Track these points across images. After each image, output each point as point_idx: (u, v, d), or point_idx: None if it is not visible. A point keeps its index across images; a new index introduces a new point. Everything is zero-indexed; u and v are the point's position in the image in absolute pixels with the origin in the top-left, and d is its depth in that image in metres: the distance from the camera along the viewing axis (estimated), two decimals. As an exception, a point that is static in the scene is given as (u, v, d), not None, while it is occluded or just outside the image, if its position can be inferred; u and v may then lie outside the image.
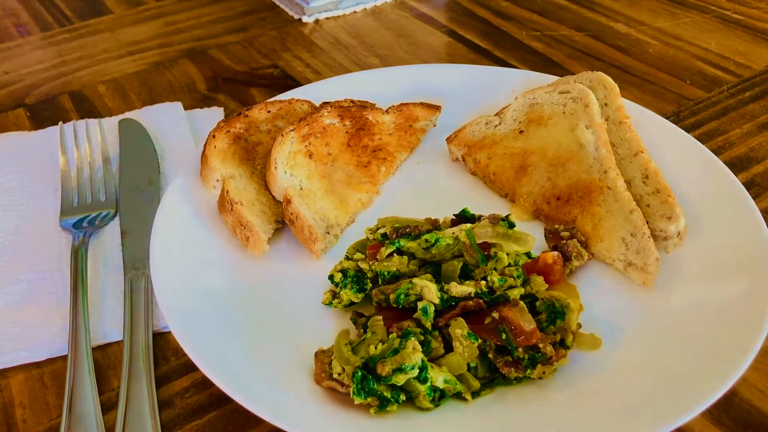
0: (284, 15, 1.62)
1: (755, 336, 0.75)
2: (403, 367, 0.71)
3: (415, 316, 0.78)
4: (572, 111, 1.04)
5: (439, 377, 0.73)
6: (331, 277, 0.86)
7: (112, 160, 1.13)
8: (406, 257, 0.85)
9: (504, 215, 0.89)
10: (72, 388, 0.79)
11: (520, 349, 0.75)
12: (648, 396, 0.73)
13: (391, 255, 0.85)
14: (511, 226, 0.88)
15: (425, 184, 1.07)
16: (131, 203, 1.05)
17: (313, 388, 0.76)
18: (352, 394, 0.71)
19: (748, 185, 1.03)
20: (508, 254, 0.85)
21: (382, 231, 0.90)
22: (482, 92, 1.18)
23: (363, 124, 1.08)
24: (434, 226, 0.90)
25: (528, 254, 0.88)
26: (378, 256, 0.85)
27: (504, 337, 0.75)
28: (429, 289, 0.77)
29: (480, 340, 0.76)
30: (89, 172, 1.10)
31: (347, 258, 0.90)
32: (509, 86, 1.17)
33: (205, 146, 1.01)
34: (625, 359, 0.78)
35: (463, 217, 0.91)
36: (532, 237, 0.88)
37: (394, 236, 0.86)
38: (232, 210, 0.94)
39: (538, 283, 0.82)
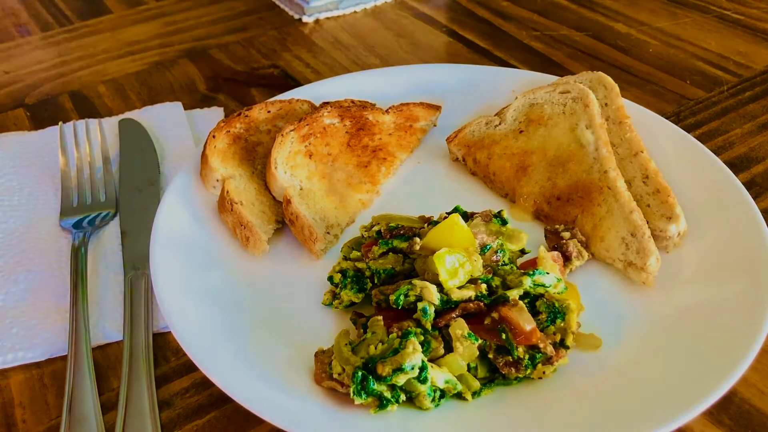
0: (284, 15, 1.62)
1: (755, 336, 0.75)
2: (403, 367, 0.71)
3: (415, 316, 0.78)
4: (572, 111, 1.04)
5: (439, 377, 0.73)
6: (330, 278, 0.86)
7: (112, 160, 1.13)
8: (401, 255, 0.85)
9: (496, 212, 0.89)
10: (72, 389, 0.79)
11: (520, 349, 0.75)
12: (648, 396, 0.73)
13: (385, 254, 0.85)
14: (504, 223, 0.89)
15: (425, 184, 1.07)
16: (131, 203, 1.05)
17: (313, 388, 0.76)
18: (352, 394, 0.71)
19: (748, 185, 1.03)
20: (502, 252, 0.85)
21: (376, 228, 0.90)
22: (482, 92, 1.18)
23: (363, 124, 1.08)
24: (428, 223, 0.90)
25: (522, 250, 0.88)
26: (370, 255, 0.85)
27: (504, 337, 0.75)
28: (429, 290, 0.77)
29: (480, 341, 0.76)
30: (89, 172, 1.10)
31: (345, 258, 0.90)
32: (509, 86, 1.17)
33: (205, 146, 1.01)
34: (625, 359, 0.78)
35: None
36: (525, 234, 0.88)
37: (388, 236, 0.86)
38: (232, 210, 0.94)
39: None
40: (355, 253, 0.89)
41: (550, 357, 0.75)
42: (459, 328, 0.76)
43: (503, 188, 1.03)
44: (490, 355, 0.76)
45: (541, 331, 0.77)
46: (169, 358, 0.85)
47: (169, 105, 1.27)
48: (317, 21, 1.58)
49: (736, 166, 1.10)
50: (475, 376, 0.76)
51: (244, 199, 0.97)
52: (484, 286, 0.79)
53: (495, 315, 0.76)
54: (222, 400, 0.79)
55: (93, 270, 0.95)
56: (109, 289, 0.92)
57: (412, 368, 0.71)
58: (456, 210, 0.90)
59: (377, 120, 1.10)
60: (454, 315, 0.77)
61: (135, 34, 1.56)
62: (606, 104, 1.08)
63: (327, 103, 1.10)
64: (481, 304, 0.78)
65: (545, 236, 0.93)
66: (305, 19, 1.58)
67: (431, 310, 0.77)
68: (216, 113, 1.27)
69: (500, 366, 0.76)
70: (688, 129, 1.15)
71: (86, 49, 1.51)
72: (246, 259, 0.93)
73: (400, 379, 0.71)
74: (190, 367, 0.83)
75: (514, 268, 0.84)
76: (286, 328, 0.84)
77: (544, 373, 0.76)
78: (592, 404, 0.74)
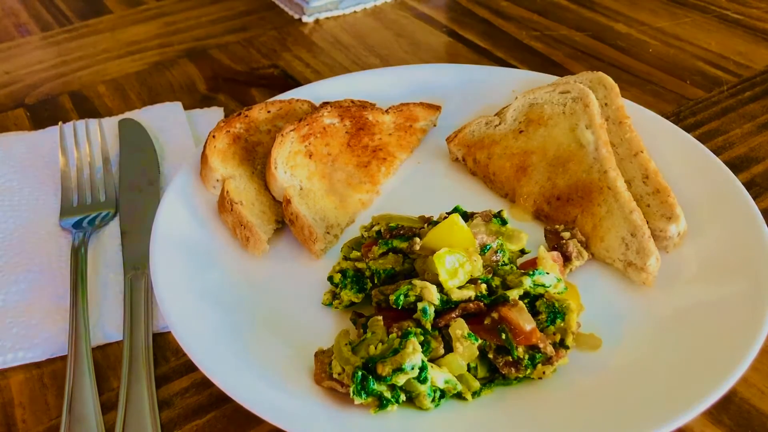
0: (284, 15, 1.62)
1: (755, 336, 0.75)
2: (403, 367, 0.71)
3: (415, 316, 0.78)
4: (572, 111, 1.04)
5: (439, 377, 0.73)
6: (330, 278, 0.86)
7: (112, 160, 1.13)
8: (401, 255, 0.85)
9: (496, 212, 0.89)
10: (72, 389, 0.79)
11: (520, 349, 0.75)
12: (648, 396, 0.73)
13: (385, 254, 0.85)
14: (504, 223, 0.89)
15: (425, 184, 1.07)
16: (131, 203, 1.05)
17: (313, 388, 0.76)
18: (352, 394, 0.71)
19: (748, 185, 1.03)
20: (501, 251, 0.85)
21: (376, 228, 0.90)
22: (482, 92, 1.18)
23: (363, 124, 1.08)
24: (428, 223, 0.90)
25: (522, 250, 0.88)
26: (370, 255, 0.85)
27: (504, 337, 0.75)
28: (429, 290, 0.77)
29: (480, 341, 0.76)
30: (89, 172, 1.10)
31: (345, 258, 0.90)
32: (509, 86, 1.17)
33: (205, 146, 1.01)
34: (625, 359, 0.78)
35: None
36: (525, 234, 0.88)
37: (388, 236, 0.86)
38: (232, 210, 0.94)
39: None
40: (355, 253, 0.89)
41: (550, 357, 0.75)
42: (459, 328, 0.76)
43: (503, 188, 1.03)
44: (490, 355, 0.76)
45: (541, 331, 0.77)
46: (169, 358, 0.85)
47: (169, 105, 1.27)
48: (317, 21, 1.58)
49: (736, 166, 1.10)
50: (475, 376, 0.76)
51: (244, 199, 0.97)
52: (484, 286, 0.79)
53: (495, 315, 0.76)
54: (222, 400, 0.79)
55: (93, 270, 0.95)
56: (109, 289, 0.92)
57: (412, 368, 0.71)
58: (456, 210, 0.90)
59: (377, 120, 1.10)
60: (454, 315, 0.77)
61: (135, 34, 1.56)
62: (606, 104, 1.08)
63: (327, 103, 1.10)
64: (481, 304, 0.78)
65: (545, 236, 0.93)
66: (305, 19, 1.58)
67: (431, 310, 0.77)
68: (216, 113, 1.27)
69: (500, 366, 0.76)
70: (688, 129, 1.15)
71: (86, 49, 1.51)
72: (246, 259, 0.93)
73: (400, 379, 0.71)
74: (190, 367, 0.83)
75: (514, 268, 0.84)
76: (286, 328, 0.84)
77: (544, 373, 0.76)
78: (592, 404, 0.74)
